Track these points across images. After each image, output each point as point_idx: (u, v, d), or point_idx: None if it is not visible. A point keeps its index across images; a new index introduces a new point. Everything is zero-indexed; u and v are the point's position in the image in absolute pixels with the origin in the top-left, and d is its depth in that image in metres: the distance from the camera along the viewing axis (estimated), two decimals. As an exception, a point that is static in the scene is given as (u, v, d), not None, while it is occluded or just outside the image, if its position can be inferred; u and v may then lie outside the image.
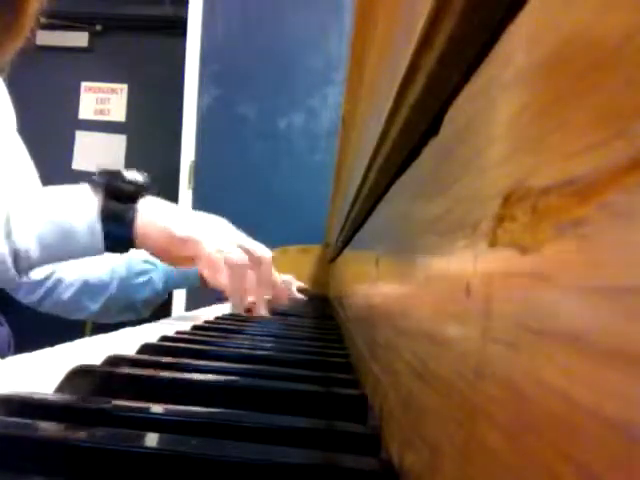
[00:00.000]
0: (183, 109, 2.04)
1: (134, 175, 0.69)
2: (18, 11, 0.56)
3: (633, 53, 0.08)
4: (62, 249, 0.67)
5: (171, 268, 0.94)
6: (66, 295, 0.92)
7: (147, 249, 0.70)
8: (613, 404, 0.08)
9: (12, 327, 0.98)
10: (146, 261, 0.96)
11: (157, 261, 0.93)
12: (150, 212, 0.68)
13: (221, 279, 0.67)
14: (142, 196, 0.68)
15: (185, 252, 0.69)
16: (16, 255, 0.65)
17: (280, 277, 0.86)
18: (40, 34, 2.39)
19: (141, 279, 0.96)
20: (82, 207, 0.66)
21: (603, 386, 0.08)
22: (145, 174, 0.71)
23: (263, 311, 0.77)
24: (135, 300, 0.96)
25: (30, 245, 0.65)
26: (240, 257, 0.70)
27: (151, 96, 2.51)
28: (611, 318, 0.08)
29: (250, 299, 0.73)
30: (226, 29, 2.03)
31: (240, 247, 0.72)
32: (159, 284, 0.97)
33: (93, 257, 0.70)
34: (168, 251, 0.70)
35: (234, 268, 0.70)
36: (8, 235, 0.64)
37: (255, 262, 0.74)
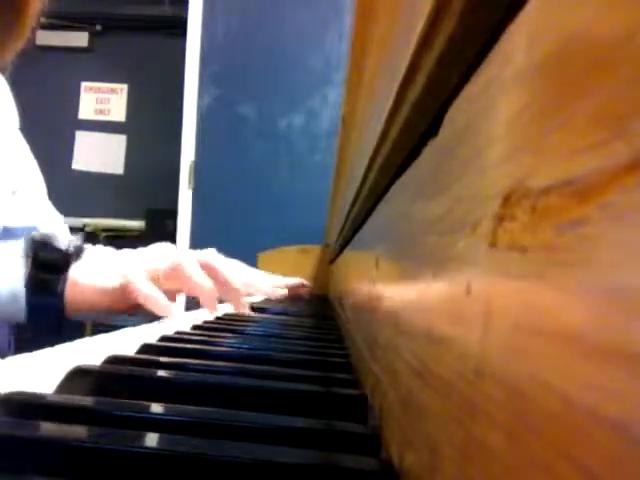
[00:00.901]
0: (183, 109, 2.05)
1: (64, 242, 0.66)
2: (19, 11, 0.56)
3: (633, 53, 0.08)
4: None
5: None
6: None
7: (85, 314, 0.67)
8: (613, 404, 0.08)
9: (12, 327, 0.98)
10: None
11: None
12: (79, 275, 0.65)
13: (166, 308, 0.64)
14: (73, 262, 0.65)
15: (129, 301, 0.65)
16: None
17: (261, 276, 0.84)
18: (40, 34, 2.39)
19: None
20: (7, 271, 0.63)
21: (603, 386, 0.08)
22: (77, 237, 0.68)
23: (243, 309, 0.75)
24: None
25: None
26: (190, 271, 0.68)
27: (151, 96, 2.51)
28: (611, 318, 0.08)
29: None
30: (226, 29, 2.04)
31: (178, 263, 0.69)
32: None
33: None
34: (110, 307, 0.67)
35: (188, 284, 0.68)
36: None
37: (205, 267, 0.71)
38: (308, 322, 0.78)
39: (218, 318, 0.71)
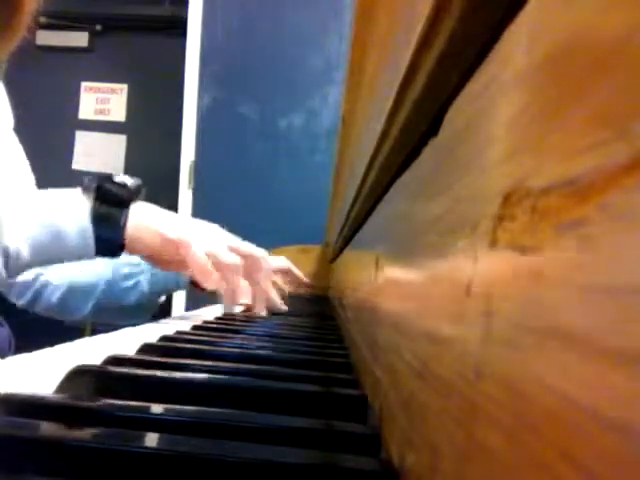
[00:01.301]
0: (183, 109, 2.04)
1: (125, 179, 0.69)
2: (15, 9, 0.56)
3: (633, 53, 0.08)
4: (53, 251, 0.66)
5: (158, 271, 0.94)
6: (54, 298, 0.93)
7: (138, 253, 0.70)
8: (613, 404, 0.08)
9: (12, 327, 0.98)
10: (132, 264, 0.95)
11: (143, 264, 0.93)
12: (141, 216, 0.68)
13: (211, 281, 0.68)
14: (134, 200, 0.68)
15: (175, 255, 0.68)
16: (6, 256, 0.65)
17: (277, 265, 0.86)
18: (40, 34, 2.39)
19: (128, 283, 0.96)
20: (73, 210, 0.66)
21: (603, 386, 0.08)
22: (136, 178, 0.71)
23: (262, 311, 0.78)
24: (124, 304, 0.96)
25: (21, 247, 0.65)
26: (230, 259, 0.71)
27: (151, 96, 2.51)
28: (611, 318, 0.08)
29: (244, 301, 0.74)
30: (226, 29, 2.03)
31: (232, 249, 0.72)
32: (146, 287, 0.96)
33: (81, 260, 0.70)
34: (159, 255, 0.70)
35: (224, 270, 0.70)
36: None
37: (250, 263, 0.74)
38: (308, 322, 0.78)
39: (218, 318, 0.71)
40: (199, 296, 0.97)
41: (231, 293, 0.72)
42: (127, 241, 0.67)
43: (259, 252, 0.77)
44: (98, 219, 0.66)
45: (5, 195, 0.68)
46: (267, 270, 0.78)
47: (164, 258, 0.70)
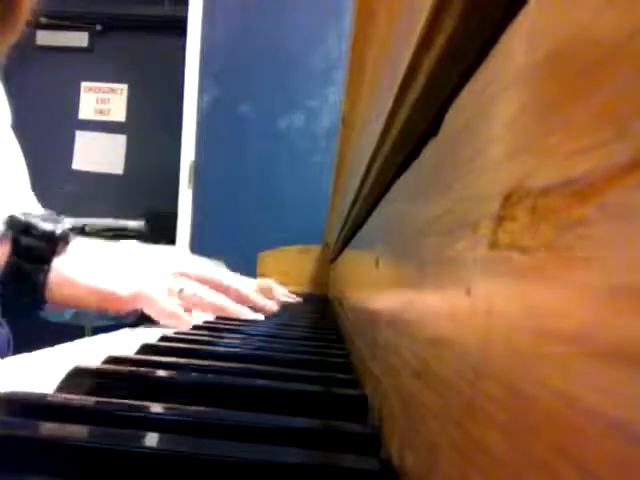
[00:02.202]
0: (183, 109, 2.04)
1: (50, 225, 0.61)
2: (13, 5, 0.56)
3: (633, 53, 0.08)
4: None
5: None
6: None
7: (72, 306, 0.64)
8: (613, 404, 0.08)
9: (12, 327, 0.98)
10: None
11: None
12: (69, 269, 0.61)
13: (187, 327, 0.62)
14: (57, 251, 0.60)
15: (133, 306, 0.63)
16: None
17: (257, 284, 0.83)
18: (40, 34, 2.39)
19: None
20: None
21: (603, 386, 0.08)
22: (68, 223, 0.63)
23: (243, 314, 0.74)
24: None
25: None
26: (193, 293, 0.67)
27: (151, 96, 2.51)
28: (611, 318, 0.08)
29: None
30: (226, 29, 2.03)
31: (188, 277, 0.69)
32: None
33: None
34: (103, 307, 0.64)
35: (215, 304, 0.68)
36: None
37: (219, 286, 0.71)
38: (308, 322, 0.78)
39: (218, 318, 0.71)
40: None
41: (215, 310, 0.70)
42: (49, 300, 0.61)
43: (210, 272, 0.73)
44: (12, 276, 0.58)
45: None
46: (233, 286, 0.74)
47: (112, 308, 0.65)
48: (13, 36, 0.58)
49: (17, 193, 0.73)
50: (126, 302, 0.63)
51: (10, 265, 0.58)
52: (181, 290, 0.66)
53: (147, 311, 0.63)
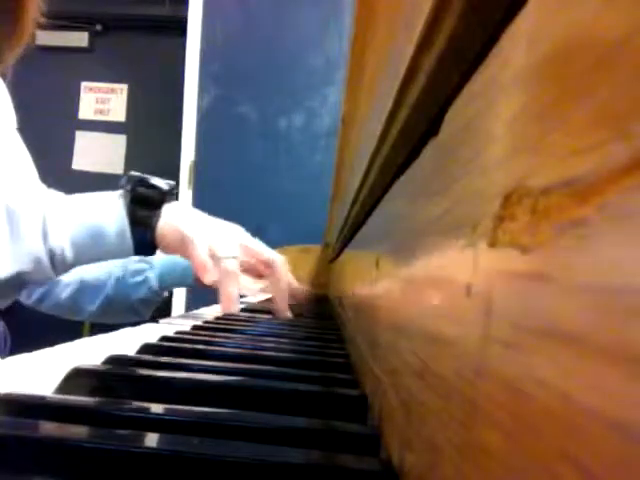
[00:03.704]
0: (183, 109, 2.05)
1: (158, 182, 0.74)
2: (17, 19, 0.57)
3: (633, 53, 0.08)
4: (94, 251, 0.71)
5: (167, 266, 0.97)
6: (64, 295, 0.93)
7: (162, 249, 0.74)
8: (613, 404, 0.08)
9: (11, 327, 0.98)
10: (141, 260, 0.96)
11: (152, 259, 0.95)
12: (168, 215, 0.73)
13: (207, 277, 0.70)
14: (165, 202, 0.73)
15: (182, 251, 0.72)
16: (52, 255, 0.69)
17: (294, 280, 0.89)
18: (40, 34, 2.39)
19: (137, 278, 0.97)
20: (112, 212, 0.71)
21: (603, 386, 0.08)
22: (169, 181, 0.76)
23: (286, 313, 0.80)
24: (132, 300, 0.97)
25: (65, 247, 0.69)
26: (228, 265, 0.73)
27: (151, 96, 2.51)
28: (611, 318, 0.08)
29: (234, 308, 0.75)
30: (226, 29, 2.04)
31: (247, 251, 0.76)
32: (155, 283, 0.97)
33: None
34: (176, 250, 0.73)
35: (220, 275, 0.72)
36: (45, 236, 0.68)
37: (266, 265, 0.78)
38: (308, 322, 0.78)
39: (218, 318, 0.71)
40: (202, 293, 0.97)
41: (226, 300, 0.74)
42: (157, 240, 0.72)
43: (275, 255, 0.80)
44: (135, 222, 0.71)
45: (21, 194, 0.70)
46: (282, 272, 0.80)
47: (178, 252, 0.74)
48: (20, 47, 0.59)
49: (66, 199, 0.78)
50: (186, 239, 0.71)
51: (131, 212, 0.71)
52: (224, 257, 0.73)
53: (189, 249, 0.71)
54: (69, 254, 0.69)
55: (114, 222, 0.70)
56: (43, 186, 0.82)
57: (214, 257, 0.72)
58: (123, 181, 0.74)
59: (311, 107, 1.99)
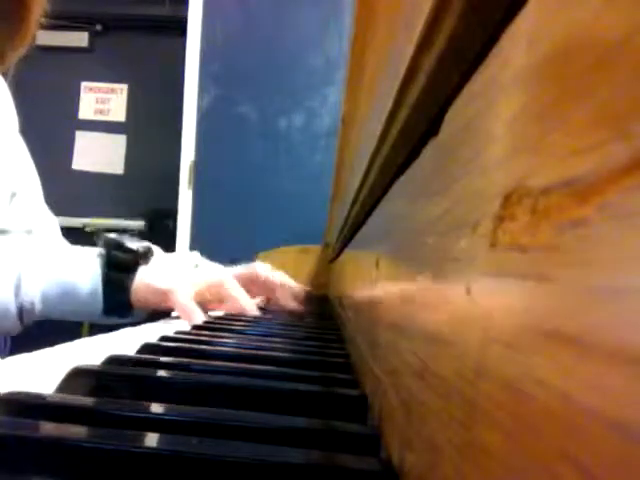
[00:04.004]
0: (183, 109, 2.04)
1: (134, 244, 0.76)
2: (21, 20, 0.57)
3: (633, 53, 0.08)
4: (64, 307, 0.73)
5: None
6: None
7: (140, 307, 0.75)
8: (613, 404, 0.08)
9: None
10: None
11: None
12: (143, 275, 0.74)
13: (196, 321, 0.70)
14: (140, 265, 0.75)
15: (162, 303, 0.74)
16: (22, 308, 0.71)
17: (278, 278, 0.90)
18: (40, 34, 2.38)
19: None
20: (88, 272, 0.73)
21: (603, 386, 0.08)
22: (145, 243, 0.77)
23: (293, 304, 0.86)
24: None
25: (36, 301, 0.71)
26: (235, 288, 0.78)
27: (151, 96, 2.51)
28: (611, 318, 0.08)
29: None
30: (226, 29, 2.03)
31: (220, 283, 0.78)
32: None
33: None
34: (156, 303, 0.75)
35: (227, 297, 0.77)
36: (17, 290, 0.71)
37: (252, 281, 0.83)
38: (308, 322, 0.78)
39: (218, 318, 0.71)
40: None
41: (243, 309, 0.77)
42: (131, 301, 0.73)
43: (258, 270, 0.85)
44: (108, 283, 0.73)
45: (23, 245, 0.74)
46: (273, 283, 0.86)
47: (153, 305, 0.76)
48: (23, 47, 0.59)
49: (32, 205, 0.80)
50: (161, 293, 0.74)
51: (105, 275, 0.73)
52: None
53: (171, 301, 0.73)
54: (38, 308, 0.71)
55: (88, 281, 0.72)
56: (45, 207, 0.84)
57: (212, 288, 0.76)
58: (100, 243, 0.76)
59: (311, 107, 1.99)
